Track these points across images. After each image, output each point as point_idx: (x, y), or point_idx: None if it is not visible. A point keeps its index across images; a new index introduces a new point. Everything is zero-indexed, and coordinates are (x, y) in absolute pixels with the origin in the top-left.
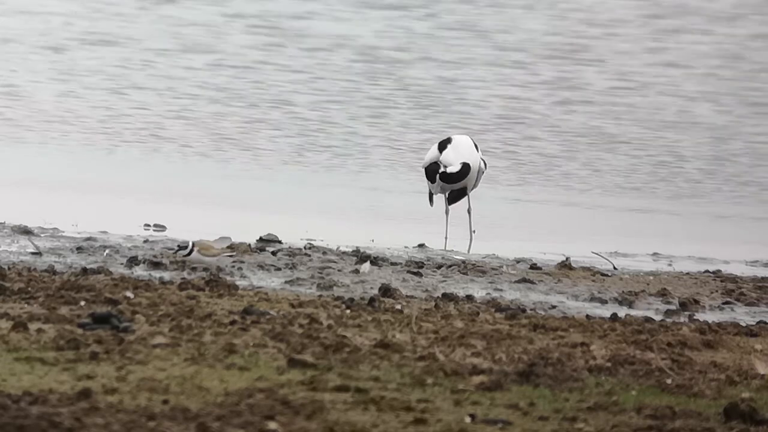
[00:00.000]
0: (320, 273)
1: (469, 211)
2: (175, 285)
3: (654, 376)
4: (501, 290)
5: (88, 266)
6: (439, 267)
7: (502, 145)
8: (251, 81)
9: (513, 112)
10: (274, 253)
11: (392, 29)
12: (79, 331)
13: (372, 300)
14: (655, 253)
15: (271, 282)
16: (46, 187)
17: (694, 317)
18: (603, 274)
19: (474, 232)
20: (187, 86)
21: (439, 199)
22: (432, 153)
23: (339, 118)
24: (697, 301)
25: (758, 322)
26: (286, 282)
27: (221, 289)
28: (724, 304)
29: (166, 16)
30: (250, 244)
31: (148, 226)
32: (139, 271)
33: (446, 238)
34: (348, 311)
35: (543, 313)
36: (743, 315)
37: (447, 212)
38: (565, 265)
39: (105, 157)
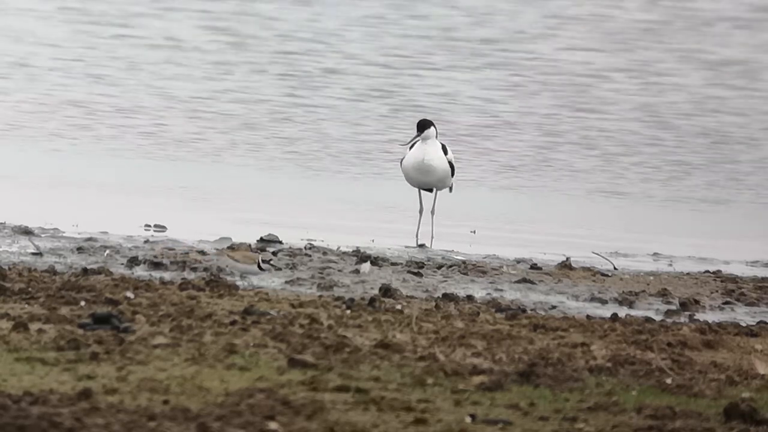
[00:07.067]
0: (320, 273)
1: (432, 212)
2: (175, 285)
3: (654, 376)
4: (501, 290)
5: (88, 266)
6: (440, 267)
7: (502, 144)
8: (252, 78)
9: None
10: (274, 254)
11: (401, 34)
12: (80, 331)
13: (372, 300)
14: (655, 253)
15: (272, 282)
16: (47, 187)
17: (695, 317)
18: (603, 275)
19: (473, 232)
20: (187, 86)
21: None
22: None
23: (340, 118)
24: (697, 302)
25: (758, 322)
26: (286, 282)
27: (221, 290)
28: (724, 304)
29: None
30: (250, 245)
31: (149, 226)
32: (140, 272)
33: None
34: (348, 311)
35: (543, 313)
36: (743, 315)
37: (420, 211)
38: (566, 266)
39: (105, 157)
